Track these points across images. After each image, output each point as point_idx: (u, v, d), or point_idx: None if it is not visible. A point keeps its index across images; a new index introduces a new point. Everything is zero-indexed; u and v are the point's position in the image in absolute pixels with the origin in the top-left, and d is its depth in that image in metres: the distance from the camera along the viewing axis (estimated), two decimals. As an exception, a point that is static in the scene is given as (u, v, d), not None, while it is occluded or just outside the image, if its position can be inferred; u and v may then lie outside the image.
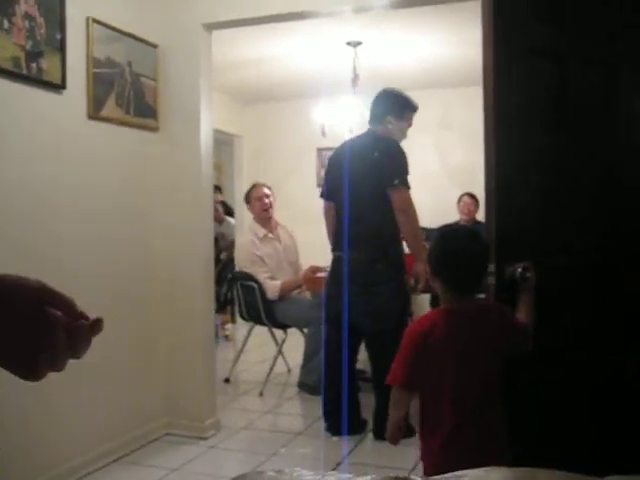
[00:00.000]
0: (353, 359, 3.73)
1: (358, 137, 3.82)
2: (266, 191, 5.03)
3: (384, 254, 3.58)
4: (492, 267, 2.24)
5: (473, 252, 2.10)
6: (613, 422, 2.27)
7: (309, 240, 5.25)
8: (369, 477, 0.98)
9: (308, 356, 4.68)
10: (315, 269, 4.75)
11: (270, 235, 5.00)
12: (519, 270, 2.19)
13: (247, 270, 4.86)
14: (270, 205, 5.01)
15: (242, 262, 4.94)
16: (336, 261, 3.76)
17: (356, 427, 3.75)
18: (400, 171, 3.55)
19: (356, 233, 3.49)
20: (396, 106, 3.74)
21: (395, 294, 3.58)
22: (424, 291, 3.74)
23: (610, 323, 2.31)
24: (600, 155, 2.39)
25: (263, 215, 4.99)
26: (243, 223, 7.60)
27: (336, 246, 3.78)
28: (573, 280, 2.33)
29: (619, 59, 2.39)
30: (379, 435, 3.65)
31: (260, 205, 4.97)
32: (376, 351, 3.67)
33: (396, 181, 3.50)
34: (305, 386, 4.67)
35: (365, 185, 3.51)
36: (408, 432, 3.68)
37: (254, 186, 5.09)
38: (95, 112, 3.25)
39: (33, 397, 2.87)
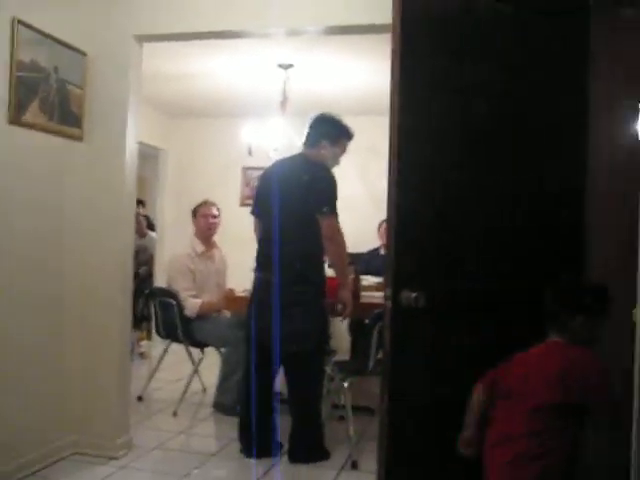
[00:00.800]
0: (270, 380, 3.69)
1: (289, 158, 3.83)
2: (214, 211, 5.06)
3: (304, 277, 3.56)
4: (389, 292, 2.37)
5: None
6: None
7: (231, 260, 5.23)
8: None
9: (225, 375, 4.63)
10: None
11: (207, 253, 4.98)
12: (413, 296, 2.35)
13: (174, 282, 4.80)
14: (215, 225, 5.05)
15: (172, 272, 4.88)
16: (256, 282, 3.76)
17: (271, 449, 3.72)
18: (330, 198, 3.56)
19: (280, 255, 3.51)
20: (332, 132, 3.75)
21: (313, 317, 3.57)
22: (348, 316, 3.81)
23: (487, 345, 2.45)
24: (497, 188, 2.54)
25: (207, 233, 5.02)
26: (164, 237, 7.50)
27: (256, 267, 3.76)
28: (458, 305, 2.49)
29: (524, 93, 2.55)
30: (294, 457, 3.63)
31: (205, 223, 5.00)
32: (292, 372, 3.67)
33: (325, 209, 3.52)
34: (220, 406, 4.61)
35: (292, 208, 3.52)
36: (324, 455, 3.72)
37: (205, 203, 5.08)
38: (16, 117, 3.14)
39: None
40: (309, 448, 3.68)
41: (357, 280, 4.39)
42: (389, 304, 2.36)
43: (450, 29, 2.50)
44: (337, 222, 3.57)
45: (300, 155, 3.78)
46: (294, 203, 3.52)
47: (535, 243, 2.61)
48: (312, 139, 3.74)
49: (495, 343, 2.41)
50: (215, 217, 5.05)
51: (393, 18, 2.40)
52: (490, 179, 2.55)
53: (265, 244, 3.67)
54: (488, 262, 2.54)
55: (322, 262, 3.68)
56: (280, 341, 3.48)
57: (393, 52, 2.39)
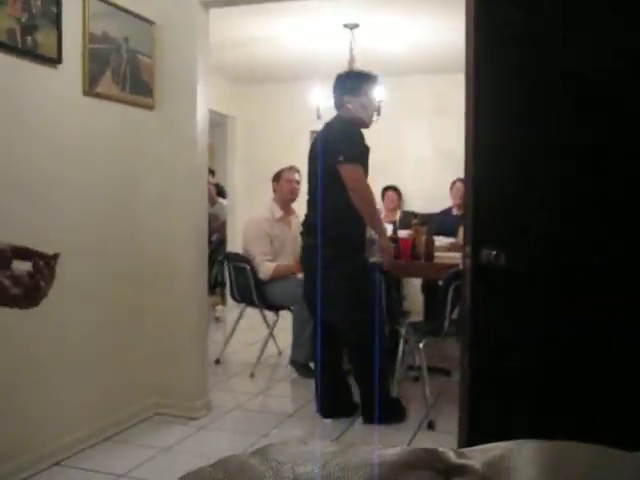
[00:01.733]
0: (335, 342, 3.71)
1: (327, 123, 3.78)
2: (297, 177, 5.06)
3: (335, 238, 3.52)
4: (468, 250, 2.31)
5: None
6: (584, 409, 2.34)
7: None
8: (399, 448, 0.98)
9: (296, 333, 4.69)
10: None
11: (286, 219, 5.02)
12: (493, 254, 2.28)
13: (250, 245, 4.86)
14: (298, 191, 5.04)
15: (249, 236, 4.94)
16: (302, 246, 3.88)
17: (347, 410, 3.76)
18: (346, 148, 3.50)
19: (312, 219, 3.62)
20: (349, 84, 3.71)
21: (346, 278, 3.53)
22: (387, 267, 3.72)
23: (577, 310, 2.36)
24: (576, 146, 2.43)
25: (289, 197, 5.02)
26: (236, 204, 7.58)
27: (302, 231, 3.88)
28: (542, 268, 2.39)
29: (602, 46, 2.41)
30: (365, 417, 3.66)
31: (289, 187, 5.00)
32: (343, 334, 3.71)
33: (341, 157, 3.47)
34: (295, 363, 4.68)
35: (319, 169, 3.57)
36: (399, 416, 3.74)
37: (290, 168, 5.10)
38: (90, 88, 3.21)
39: (20, 374, 2.86)
40: (380, 408, 3.68)
41: (430, 240, 4.35)
42: (469, 262, 2.32)
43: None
44: (357, 171, 3.50)
45: (335, 118, 3.77)
46: (320, 164, 3.56)
47: (625, 209, 2.46)
48: (337, 100, 3.74)
49: (574, 311, 2.35)
50: (298, 183, 5.03)
51: None
52: (573, 137, 2.43)
53: (308, 207, 3.76)
54: (573, 226, 2.43)
55: (354, 220, 3.57)
56: (321, 305, 3.54)
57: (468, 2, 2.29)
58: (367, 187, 3.54)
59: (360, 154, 3.55)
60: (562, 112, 2.43)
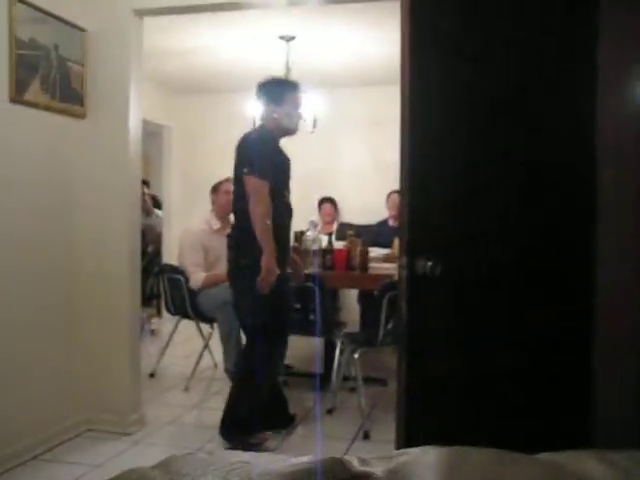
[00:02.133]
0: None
1: (245, 133, 3.69)
2: None
3: (243, 249, 3.50)
4: (404, 261, 2.35)
5: None
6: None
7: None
8: (306, 458, 0.98)
9: (223, 341, 4.59)
10: None
11: (223, 231, 4.94)
12: (429, 265, 2.32)
13: (183, 256, 4.80)
14: None
15: (183, 247, 4.88)
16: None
17: (283, 421, 3.74)
18: (250, 160, 3.44)
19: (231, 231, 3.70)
20: (272, 94, 3.63)
21: (247, 288, 3.46)
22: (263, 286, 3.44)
23: (508, 315, 2.45)
24: (508, 154, 2.51)
25: (227, 209, 4.93)
26: (171, 215, 7.49)
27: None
28: (474, 274, 2.46)
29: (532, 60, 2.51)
30: (224, 434, 3.58)
31: (227, 199, 4.89)
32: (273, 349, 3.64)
33: (245, 169, 3.43)
34: (228, 371, 4.62)
35: (233, 181, 3.61)
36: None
37: (227, 180, 5.01)
38: (18, 95, 3.12)
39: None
40: (230, 425, 3.58)
41: (365, 251, 4.38)
42: (404, 273, 2.35)
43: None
44: (257, 182, 3.37)
45: (256, 127, 3.79)
46: (233, 174, 3.58)
47: (552, 215, 2.55)
48: (263, 110, 3.67)
49: (510, 316, 2.41)
50: None
51: None
52: (504, 147, 2.51)
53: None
54: (504, 234, 2.50)
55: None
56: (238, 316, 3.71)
57: (403, 16, 2.33)
58: (262, 200, 3.37)
59: (269, 166, 3.42)
60: (493, 125, 2.50)
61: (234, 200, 3.57)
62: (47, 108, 3.34)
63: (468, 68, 2.45)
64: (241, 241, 3.50)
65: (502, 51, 2.49)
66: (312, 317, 4.03)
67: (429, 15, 2.40)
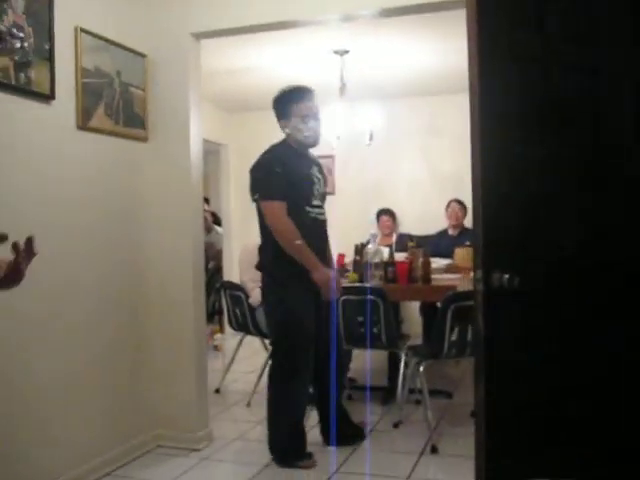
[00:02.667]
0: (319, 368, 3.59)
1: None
2: None
3: (264, 270, 3.59)
4: (479, 274, 2.26)
5: None
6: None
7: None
8: None
9: None
10: None
11: None
12: (506, 278, 2.21)
13: (243, 273, 4.86)
14: None
15: (242, 263, 4.94)
16: None
17: (349, 437, 3.73)
18: (257, 186, 3.46)
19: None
20: (279, 109, 3.57)
21: (272, 308, 3.55)
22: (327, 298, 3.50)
23: (594, 330, 2.33)
24: (582, 162, 2.42)
25: None
26: (231, 232, 7.59)
27: None
28: (556, 286, 2.35)
29: (602, 65, 2.42)
30: (273, 456, 3.53)
31: None
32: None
33: (256, 196, 3.45)
34: None
35: None
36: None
37: None
38: (84, 122, 3.22)
39: (19, 408, 2.83)
40: (276, 449, 3.53)
41: (427, 263, 4.35)
42: (480, 286, 2.26)
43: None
44: (272, 207, 3.38)
45: (276, 143, 3.67)
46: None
47: (632, 225, 2.43)
48: (280, 125, 3.59)
49: (593, 329, 2.31)
50: None
51: None
52: (581, 158, 2.42)
53: None
54: (582, 243, 2.40)
55: (274, 253, 3.45)
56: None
57: (469, 24, 2.26)
58: (279, 222, 3.36)
59: (280, 186, 3.36)
60: (568, 130, 2.41)
61: (259, 222, 3.56)
62: (111, 133, 3.43)
63: (537, 71, 2.34)
64: (263, 262, 3.57)
65: (570, 54, 2.41)
66: (375, 330, 4.01)
67: (497, 23, 2.31)
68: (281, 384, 3.49)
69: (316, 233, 3.51)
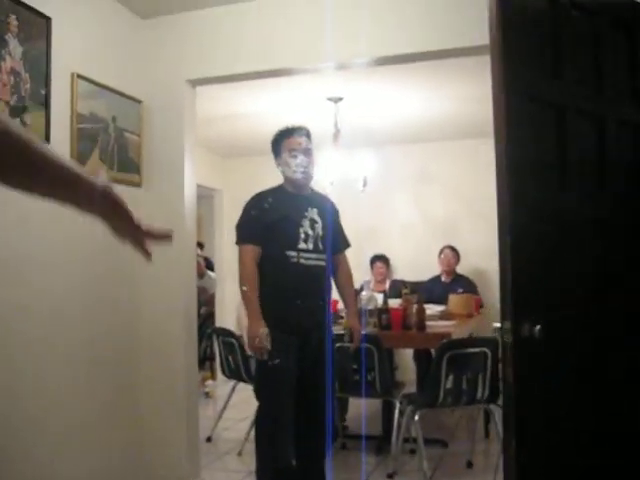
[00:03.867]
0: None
1: None
2: None
3: None
4: (508, 324, 2.14)
5: None
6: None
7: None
8: None
9: None
10: None
11: None
12: (537, 328, 2.09)
13: (241, 320, 4.81)
14: None
15: (240, 310, 4.87)
16: None
17: None
18: (238, 230, 3.43)
19: None
20: (274, 150, 3.54)
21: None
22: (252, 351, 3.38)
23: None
24: (595, 208, 2.40)
25: None
26: (224, 277, 7.54)
27: None
28: (583, 339, 2.30)
29: (607, 112, 2.42)
30: None
31: None
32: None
33: (235, 240, 3.42)
34: None
35: None
36: None
37: None
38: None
39: (7, 464, 2.76)
40: None
41: (421, 309, 4.32)
42: (510, 338, 2.14)
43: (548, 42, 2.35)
44: (242, 250, 3.33)
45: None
46: None
47: None
48: (276, 165, 3.55)
49: (624, 377, 2.27)
50: None
51: (492, 26, 2.23)
52: (604, 204, 2.40)
53: None
54: (604, 290, 2.37)
55: (261, 298, 3.31)
56: None
57: (494, 69, 2.23)
58: (243, 268, 3.30)
59: (254, 229, 3.33)
60: (592, 178, 2.40)
61: None
62: (106, 178, 3.41)
63: (560, 117, 2.32)
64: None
65: (588, 104, 2.42)
66: (369, 378, 3.96)
67: (522, 72, 2.29)
68: (262, 430, 3.36)
69: (302, 279, 3.32)
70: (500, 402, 4.23)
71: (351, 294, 3.72)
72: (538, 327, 2.11)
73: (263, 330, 3.18)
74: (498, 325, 2.31)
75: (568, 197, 2.33)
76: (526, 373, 2.18)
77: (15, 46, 2.81)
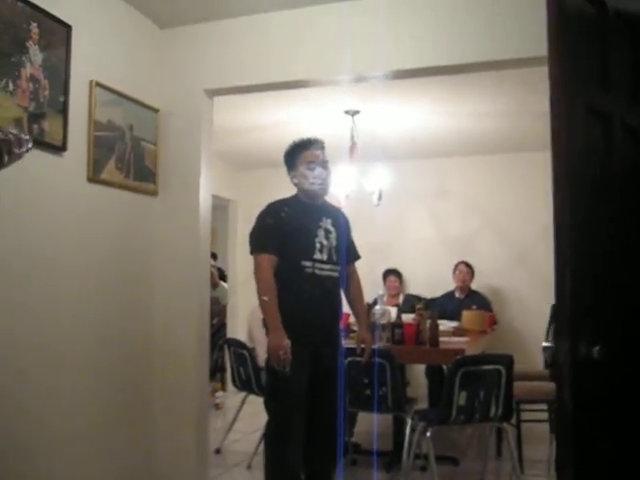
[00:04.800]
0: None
1: None
2: None
3: (265, 326, 3.36)
4: (566, 345, 2.00)
5: None
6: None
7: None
8: None
9: None
10: None
11: None
12: (596, 349, 1.92)
13: (252, 332, 4.77)
14: None
15: (253, 321, 4.84)
16: None
17: None
18: (250, 239, 3.37)
19: None
20: (288, 162, 3.50)
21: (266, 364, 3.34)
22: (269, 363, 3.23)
23: None
24: None
25: None
26: (237, 288, 7.53)
27: None
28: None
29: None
30: None
31: None
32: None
33: (249, 249, 3.36)
34: None
35: None
36: None
37: None
38: (95, 175, 3.22)
39: (16, 465, 2.74)
40: None
41: (435, 325, 4.28)
42: (568, 358, 1.99)
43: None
44: (258, 261, 3.26)
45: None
46: None
47: None
48: (290, 178, 3.51)
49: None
50: None
51: (551, 34, 2.17)
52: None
53: None
54: None
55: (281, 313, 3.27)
56: None
57: (554, 84, 2.16)
58: (260, 278, 3.24)
59: (270, 238, 3.28)
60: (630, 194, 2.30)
61: None
62: (121, 186, 3.43)
63: (617, 127, 2.24)
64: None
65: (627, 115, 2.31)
66: (381, 392, 3.92)
67: (578, 81, 2.22)
68: (271, 444, 3.31)
69: (316, 290, 3.27)
70: (513, 420, 4.19)
71: (362, 306, 3.69)
72: (597, 348, 1.99)
73: (287, 342, 3.13)
74: (546, 344, 2.19)
75: (621, 211, 2.25)
76: (585, 397, 2.04)
77: (35, 53, 2.82)
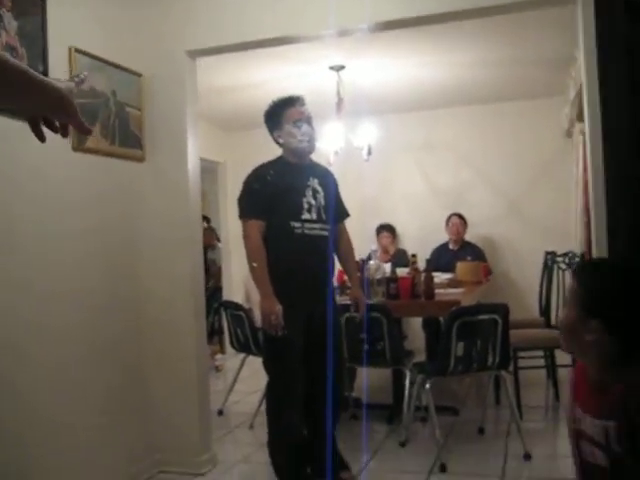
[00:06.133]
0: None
1: None
2: None
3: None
4: None
5: None
6: None
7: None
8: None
9: None
10: None
11: None
12: None
13: (250, 294, 4.78)
14: None
15: (249, 284, 4.85)
16: None
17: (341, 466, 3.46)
18: (239, 204, 3.36)
19: None
20: (272, 120, 3.44)
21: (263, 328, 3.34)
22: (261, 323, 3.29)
23: None
24: None
25: None
26: (229, 250, 7.52)
27: None
28: None
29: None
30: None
31: None
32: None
33: (239, 215, 3.35)
34: None
35: None
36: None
37: None
38: (80, 144, 3.17)
39: (13, 440, 2.76)
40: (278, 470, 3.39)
41: (429, 278, 4.30)
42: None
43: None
44: (246, 225, 3.27)
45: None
46: None
47: None
48: (274, 138, 3.46)
49: None
50: None
51: None
52: None
53: None
54: None
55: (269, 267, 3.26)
56: None
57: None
58: (249, 243, 3.24)
59: (257, 202, 3.27)
60: None
61: None
62: (107, 154, 3.38)
63: None
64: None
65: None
66: (379, 347, 3.95)
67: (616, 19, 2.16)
68: (272, 403, 3.35)
69: (307, 250, 3.26)
70: (511, 368, 4.24)
71: (353, 264, 3.70)
72: None
73: (279, 307, 3.14)
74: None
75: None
76: None
77: (9, 21, 2.75)
